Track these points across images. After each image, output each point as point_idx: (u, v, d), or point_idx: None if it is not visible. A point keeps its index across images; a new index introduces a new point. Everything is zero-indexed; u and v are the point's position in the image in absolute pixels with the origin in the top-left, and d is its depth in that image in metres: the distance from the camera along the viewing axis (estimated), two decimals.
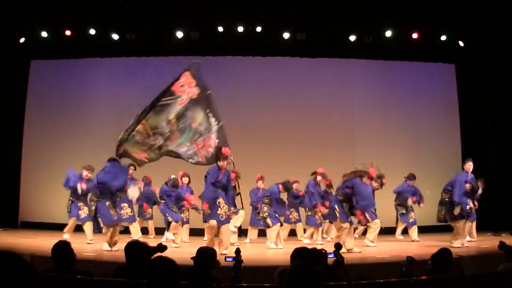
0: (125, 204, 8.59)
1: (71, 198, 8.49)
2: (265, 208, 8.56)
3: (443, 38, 10.99)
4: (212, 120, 7.33)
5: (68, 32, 10.70)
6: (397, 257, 6.10)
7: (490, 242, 7.61)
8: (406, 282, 3.47)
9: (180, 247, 8.00)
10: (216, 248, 6.46)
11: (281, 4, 10.03)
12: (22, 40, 10.78)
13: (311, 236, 9.19)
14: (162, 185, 8.84)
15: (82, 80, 11.34)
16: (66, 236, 8.21)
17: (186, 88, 7.20)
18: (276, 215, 8.53)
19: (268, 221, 8.39)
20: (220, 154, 7.11)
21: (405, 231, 9.56)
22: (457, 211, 7.74)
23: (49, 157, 10.94)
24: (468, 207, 7.79)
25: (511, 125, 10.79)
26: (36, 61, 11.44)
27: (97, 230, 7.30)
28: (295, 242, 8.64)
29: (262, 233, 8.99)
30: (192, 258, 3.63)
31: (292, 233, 9.70)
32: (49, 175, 10.77)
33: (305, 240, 8.97)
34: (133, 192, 7.96)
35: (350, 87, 11.60)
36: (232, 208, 7.67)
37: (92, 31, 10.72)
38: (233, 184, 7.98)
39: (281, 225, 8.64)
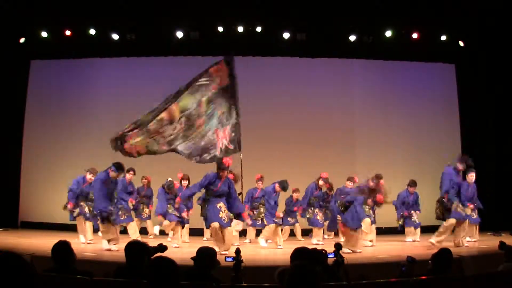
0: (122, 205, 8.58)
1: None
2: (261, 209, 8.63)
3: (443, 38, 10.99)
4: (234, 113, 7.70)
5: (68, 32, 10.70)
6: (397, 257, 6.10)
7: (490, 242, 7.60)
8: (406, 282, 3.47)
9: (180, 247, 8.00)
10: (216, 248, 6.52)
11: (281, 4, 10.03)
12: (22, 40, 10.78)
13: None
14: (158, 189, 8.72)
15: (82, 80, 11.34)
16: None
17: (221, 74, 7.65)
18: (273, 218, 8.38)
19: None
20: (221, 164, 7.18)
21: (402, 231, 9.53)
22: (453, 207, 7.56)
23: (49, 157, 10.94)
24: (459, 209, 7.56)
25: (511, 125, 10.79)
26: (36, 61, 11.44)
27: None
28: (295, 242, 8.64)
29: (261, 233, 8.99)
30: (192, 258, 3.63)
31: (291, 233, 9.73)
32: (49, 175, 10.78)
33: (313, 240, 8.93)
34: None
35: (350, 87, 11.60)
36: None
37: (92, 31, 10.72)
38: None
39: (278, 225, 8.49)
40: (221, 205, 7.12)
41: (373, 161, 10.61)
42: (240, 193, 8.23)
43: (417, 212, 9.34)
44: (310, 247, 3.84)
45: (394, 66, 11.73)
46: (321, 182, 9.02)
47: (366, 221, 8.32)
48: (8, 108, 10.94)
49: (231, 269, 3.57)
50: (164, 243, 3.80)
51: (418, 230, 9.29)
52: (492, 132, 11.17)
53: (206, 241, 9.03)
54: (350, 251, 7.08)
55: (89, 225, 8.15)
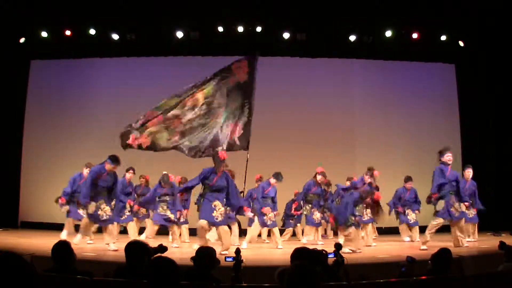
0: (122, 205, 8.59)
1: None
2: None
3: (443, 38, 11.00)
4: (246, 110, 7.84)
5: (68, 32, 10.71)
6: (397, 257, 6.09)
7: (490, 242, 7.59)
8: (406, 282, 3.47)
9: (180, 247, 8.00)
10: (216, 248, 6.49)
11: (281, 4, 10.03)
12: (22, 40, 10.79)
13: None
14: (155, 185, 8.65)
15: (82, 80, 11.35)
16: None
17: (240, 70, 7.85)
18: (264, 218, 8.20)
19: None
20: (216, 158, 7.14)
21: (397, 231, 9.52)
22: (439, 206, 7.44)
23: (49, 157, 10.94)
24: (452, 209, 7.41)
25: (511, 125, 10.79)
26: (36, 61, 11.46)
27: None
28: (296, 242, 8.64)
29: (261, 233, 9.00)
30: (191, 258, 3.62)
31: (292, 233, 9.71)
32: (49, 175, 10.78)
33: (303, 240, 8.95)
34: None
35: (350, 87, 11.60)
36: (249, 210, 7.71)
37: (92, 31, 10.73)
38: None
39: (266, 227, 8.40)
40: (217, 203, 6.97)
41: (373, 161, 10.55)
42: (242, 192, 8.24)
43: (416, 212, 9.28)
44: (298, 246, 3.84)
45: (394, 66, 11.74)
46: (319, 177, 8.90)
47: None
48: (8, 108, 10.95)
49: (231, 269, 3.57)
50: (164, 244, 3.80)
51: (416, 229, 9.22)
52: (492, 132, 11.17)
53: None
54: (350, 251, 7.05)
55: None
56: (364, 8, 10.00)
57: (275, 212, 8.40)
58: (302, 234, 9.76)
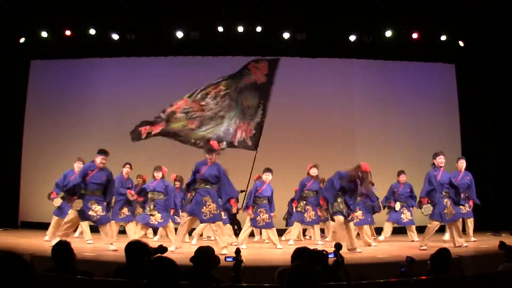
0: (121, 204, 8.57)
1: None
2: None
3: (443, 38, 11.00)
4: (260, 111, 7.97)
5: (68, 32, 10.71)
6: (397, 257, 6.09)
7: (490, 242, 7.60)
8: (406, 282, 3.47)
9: (180, 247, 7.98)
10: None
11: (281, 4, 10.03)
12: (22, 40, 10.79)
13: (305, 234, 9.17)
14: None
15: (82, 80, 11.34)
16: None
17: (258, 71, 7.96)
18: (257, 218, 8.09)
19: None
20: (207, 145, 7.05)
21: (402, 231, 9.50)
22: (426, 210, 7.42)
23: (49, 157, 10.94)
24: (445, 210, 7.37)
25: (511, 125, 10.79)
26: (36, 61, 11.45)
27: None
28: (296, 242, 8.63)
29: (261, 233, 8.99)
30: (190, 259, 3.61)
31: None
32: (49, 175, 10.75)
33: (319, 241, 8.78)
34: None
35: (350, 87, 11.60)
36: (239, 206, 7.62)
37: (92, 31, 10.73)
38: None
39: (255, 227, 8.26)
40: (207, 198, 6.80)
41: (373, 161, 10.52)
42: (244, 191, 8.23)
43: (412, 208, 9.17)
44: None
45: (394, 66, 11.74)
46: (313, 170, 8.81)
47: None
48: (8, 108, 10.94)
49: (231, 269, 3.57)
50: (164, 244, 3.80)
51: (412, 228, 9.18)
52: (492, 132, 11.17)
53: (206, 240, 9.04)
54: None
55: (85, 225, 8.12)
56: (364, 8, 10.00)
57: (272, 214, 8.26)
58: (303, 234, 9.77)
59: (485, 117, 11.24)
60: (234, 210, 7.43)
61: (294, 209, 8.99)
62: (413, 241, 8.97)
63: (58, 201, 8.38)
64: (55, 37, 10.80)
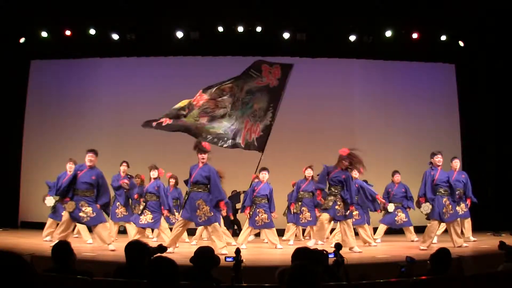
0: (119, 203, 8.56)
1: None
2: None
3: (443, 38, 11.00)
4: (269, 114, 8.07)
5: (68, 32, 10.71)
6: (397, 257, 6.09)
7: (490, 242, 7.60)
8: (406, 282, 3.47)
9: (180, 247, 7.98)
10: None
11: (281, 4, 10.03)
12: (22, 40, 10.79)
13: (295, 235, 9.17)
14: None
15: (82, 80, 11.34)
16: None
17: (270, 75, 8.15)
18: (256, 219, 8.04)
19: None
20: (199, 146, 7.00)
21: (401, 231, 9.49)
22: (425, 209, 7.40)
23: (49, 157, 10.93)
24: (443, 209, 7.36)
25: (511, 125, 10.79)
26: (36, 61, 11.45)
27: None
28: (296, 242, 8.64)
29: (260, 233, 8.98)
30: (190, 260, 3.60)
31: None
32: (49, 175, 10.74)
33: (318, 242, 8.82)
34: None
35: (350, 87, 11.61)
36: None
37: (92, 31, 10.73)
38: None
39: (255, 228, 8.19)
40: (200, 202, 6.75)
41: (373, 161, 10.59)
42: (244, 192, 8.23)
43: (408, 209, 9.16)
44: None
45: (394, 66, 11.74)
46: (308, 171, 8.85)
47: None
48: (8, 108, 10.94)
49: (231, 269, 3.57)
50: (164, 244, 3.80)
51: (410, 229, 9.17)
52: (492, 132, 11.17)
53: (206, 240, 9.03)
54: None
55: (82, 227, 8.09)
56: (364, 8, 10.00)
57: (273, 213, 8.20)
58: (303, 234, 9.77)
59: (485, 117, 11.24)
60: (223, 213, 7.32)
61: (291, 211, 8.99)
62: (412, 241, 8.96)
63: (50, 201, 8.32)
64: (55, 37, 10.80)
